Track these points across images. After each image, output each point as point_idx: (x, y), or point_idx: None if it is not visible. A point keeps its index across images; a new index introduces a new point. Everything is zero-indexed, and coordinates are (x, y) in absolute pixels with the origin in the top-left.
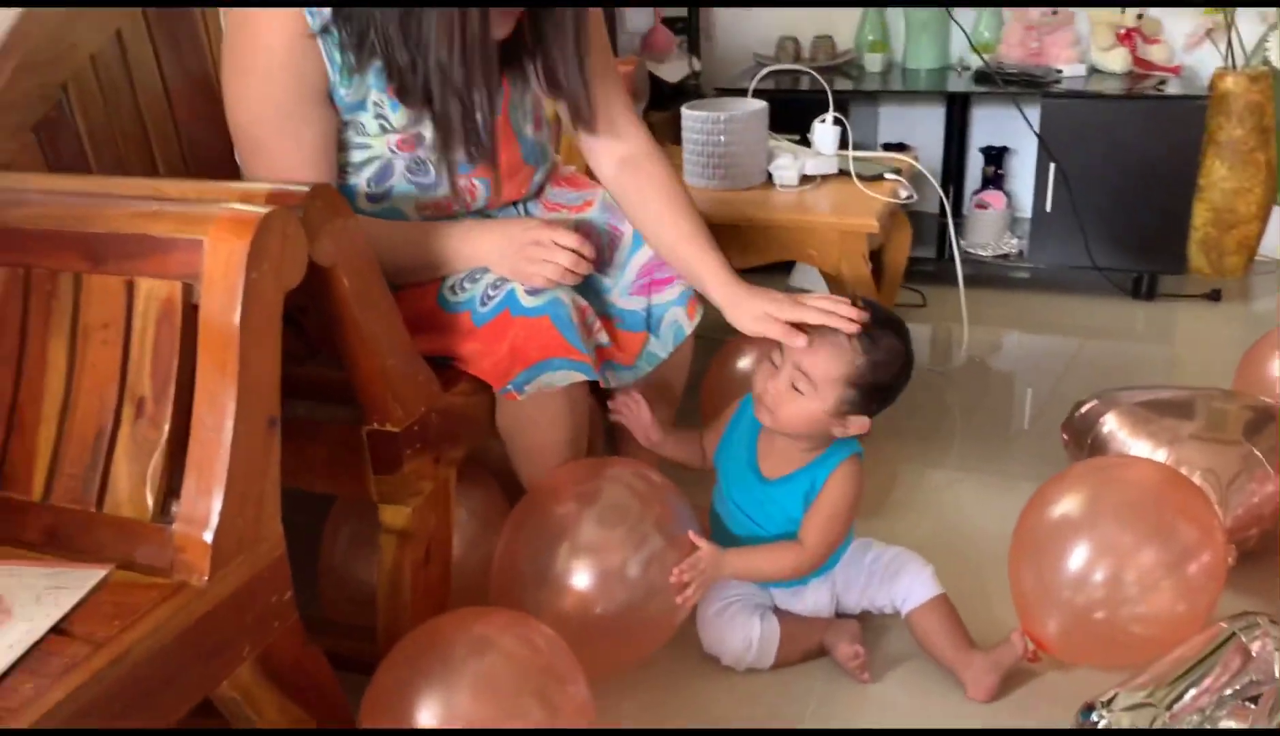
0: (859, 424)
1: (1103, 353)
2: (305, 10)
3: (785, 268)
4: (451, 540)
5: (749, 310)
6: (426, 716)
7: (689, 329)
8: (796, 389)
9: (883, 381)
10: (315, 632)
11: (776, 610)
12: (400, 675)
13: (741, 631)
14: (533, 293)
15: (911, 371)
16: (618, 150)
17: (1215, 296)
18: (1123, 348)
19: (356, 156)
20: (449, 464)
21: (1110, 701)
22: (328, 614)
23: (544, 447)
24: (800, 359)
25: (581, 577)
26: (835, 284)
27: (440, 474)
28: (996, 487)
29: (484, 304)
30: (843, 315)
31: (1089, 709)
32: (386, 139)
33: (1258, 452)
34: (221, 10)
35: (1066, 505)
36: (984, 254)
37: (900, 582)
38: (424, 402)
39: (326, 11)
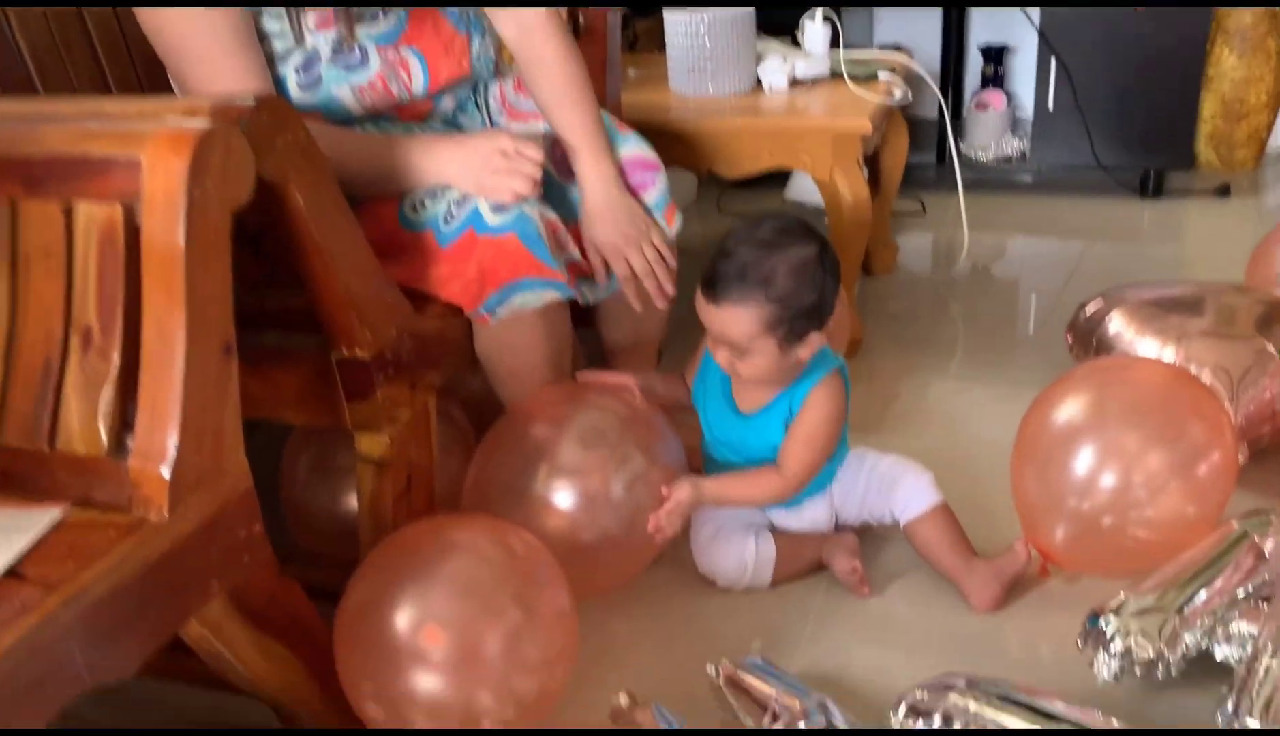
0: (816, 341)
1: (1110, 254)
2: None
3: (782, 180)
4: (434, 468)
5: (588, 233)
6: (401, 620)
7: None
8: (738, 358)
9: (809, 297)
10: (284, 562)
11: (773, 528)
12: (374, 582)
13: (735, 553)
14: (498, 209)
15: (834, 261)
16: (511, 20)
17: (1225, 192)
18: (1130, 248)
19: (279, 46)
20: (426, 389)
21: (1119, 607)
22: (296, 542)
23: (524, 370)
24: (715, 332)
25: (560, 498)
26: (829, 190)
27: (418, 400)
28: (1001, 397)
29: (447, 222)
30: (654, 285)
31: (1096, 615)
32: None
33: (1270, 347)
34: None
35: (1070, 408)
36: (985, 157)
37: (898, 492)
38: (394, 326)
39: None
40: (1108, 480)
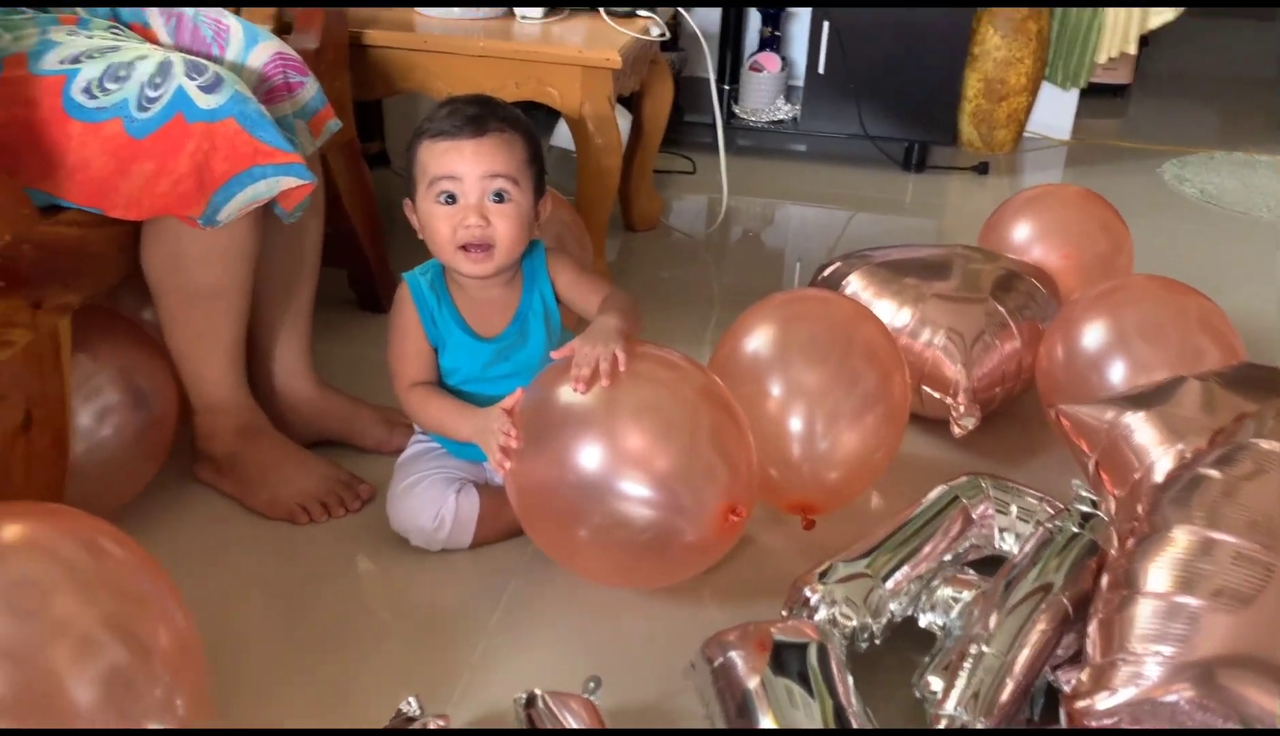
0: (546, 202)
1: (872, 224)
2: None
3: (550, 126)
4: (67, 403)
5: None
6: None
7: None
8: (502, 199)
9: (539, 146)
10: None
11: (479, 484)
12: None
13: (432, 507)
14: (207, 89)
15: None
16: None
17: (983, 169)
18: (891, 219)
19: None
20: (57, 311)
21: (826, 573)
22: None
23: (217, 289)
24: (476, 169)
25: None
26: (579, 130)
27: (43, 322)
28: None
29: (143, 108)
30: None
31: (804, 585)
32: None
33: (1002, 309)
34: None
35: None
36: (756, 120)
37: None
38: (7, 230)
39: None
40: (794, 419)
